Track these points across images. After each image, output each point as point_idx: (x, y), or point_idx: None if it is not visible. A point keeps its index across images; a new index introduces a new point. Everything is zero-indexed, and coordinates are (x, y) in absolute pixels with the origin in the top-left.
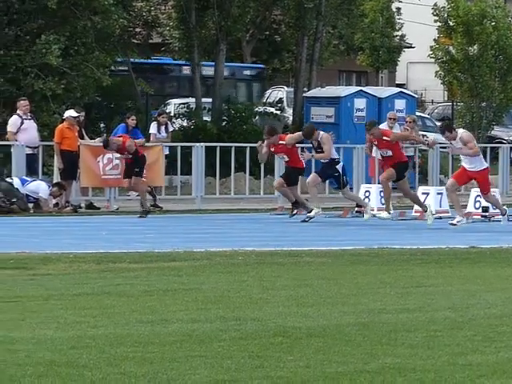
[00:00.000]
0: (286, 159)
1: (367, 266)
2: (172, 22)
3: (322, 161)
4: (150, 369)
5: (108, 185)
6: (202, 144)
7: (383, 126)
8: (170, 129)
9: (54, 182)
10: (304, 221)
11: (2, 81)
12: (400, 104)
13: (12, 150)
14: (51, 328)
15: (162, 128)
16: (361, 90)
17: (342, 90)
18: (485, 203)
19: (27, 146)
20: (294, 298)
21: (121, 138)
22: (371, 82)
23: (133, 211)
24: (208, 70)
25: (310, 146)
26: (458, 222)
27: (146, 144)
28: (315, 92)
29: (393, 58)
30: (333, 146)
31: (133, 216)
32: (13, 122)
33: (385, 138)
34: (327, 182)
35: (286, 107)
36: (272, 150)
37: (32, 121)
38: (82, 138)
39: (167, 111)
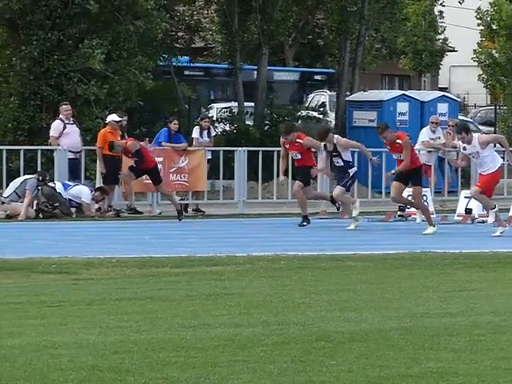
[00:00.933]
0: (299, 157)
1: (410, 270)
2: (214, 26)
3: (337, 165)
4: (192, 373)
5: (150, 189)
6: (244, 148)
7: (425, 129)
8: (213, 133)
9: (97, 186)
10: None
11: (45, 85)
12: (442, 108)
13: (54, 154)
14: (94, 333)
15: (205, 132)
16: (403, 94)
17: (385, 94)
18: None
19: (69, 151)
20: (336, 303)
21: (123, 141)
22: (414, 86)
23: (175, 216)
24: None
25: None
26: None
27: (189, 148)
28: (358, 96)
29: (435, 61)
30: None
31: (175, 221)
32: (55, 126)
33: (398, 141)
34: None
35: (328, 111)
36: (287, 146)
37: (74, 125)
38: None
39: (210, 115)
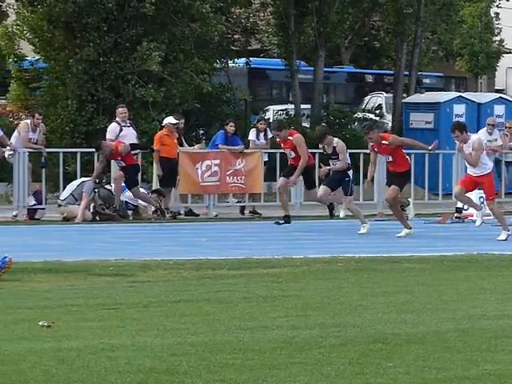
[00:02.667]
0: (293, 155)
1: (467, 272)
2: (271, 29)
3: (335, 168)
4: (249, 376)
5: (207, 191)
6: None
7: (482, 131)
8: (269, 135)
9: (153, 188)
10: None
11: (102, 88)
12: (499, 109)
13: None
14: (151, 335)
15: (261, 134)
16: (460, 96)
17: (442, 96)
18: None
19: None
20: (393, 305)
21: (114, 143)
22: (470, 88)
23: (232, 218)
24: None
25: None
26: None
27: (246, 150)
28: (414, 98)
29: (491, 63)
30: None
31: (232, 223)
32: (112, 129)
33: (383, 142)
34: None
35: (385, 113)
36: (282, 145)
37: (131, 128)
38: (181, 145)
39: (266, 117)
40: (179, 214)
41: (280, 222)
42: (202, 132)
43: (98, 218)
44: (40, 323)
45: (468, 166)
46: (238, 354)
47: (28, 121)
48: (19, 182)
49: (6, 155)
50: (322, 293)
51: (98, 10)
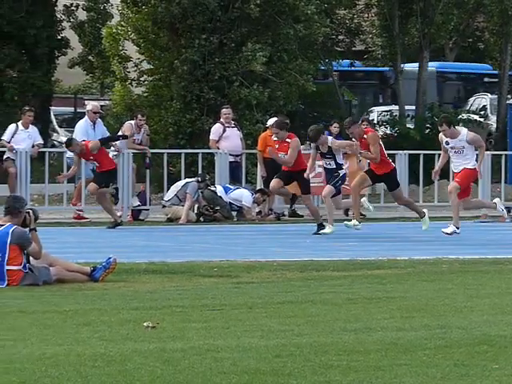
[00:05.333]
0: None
1: None
2: (375, 30)
3: (328, 167)
4: (354, 377)
5: (314, 192)
6: (405, 152)
7: None
8: None
9: (257, 188)
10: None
11: (207, 89)
12: None
13: (215, 157)
14: (256, 336)
15: None
16: None
17: None
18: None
19: (230, 154)
20: (498, 307)
21: (84, 142)
22: None
23: (336, 219)
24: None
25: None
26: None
27: (351, 151)
28: None
29: None
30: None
31: (336, 224)
32: (215, 129)
33: (365, 136)
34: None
35: (489, 114)
36: (276, 146)
37: (235, 129)
38: None
39: (370, 119)
40: (283, 215)
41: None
42: (306, 133)
43: (202, 218)
44: (145, 324)
45: (454, 161)
46: (343, 356)
47: (132, 122)
48: (123, 182)
49: (111, 156)
50: (427, 294)
51: (203, 11)
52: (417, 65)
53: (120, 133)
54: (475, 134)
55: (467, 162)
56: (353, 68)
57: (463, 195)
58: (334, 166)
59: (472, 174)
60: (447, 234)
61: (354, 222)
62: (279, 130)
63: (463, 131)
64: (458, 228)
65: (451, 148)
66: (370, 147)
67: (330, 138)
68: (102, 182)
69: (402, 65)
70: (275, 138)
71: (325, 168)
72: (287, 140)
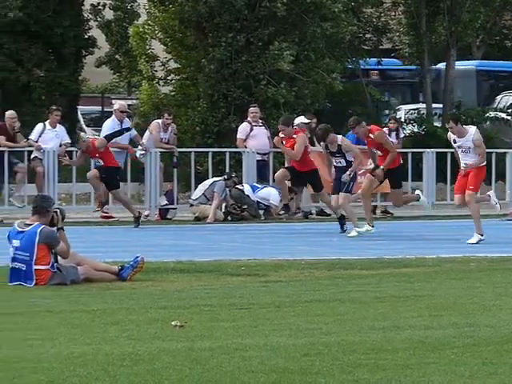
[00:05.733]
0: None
1: None
2: (402, 28)
3: (339, 165)
4: (383, 376)
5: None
6: (432, 150)
7: None
8: (401, 135)
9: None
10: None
11: (234, 88)
12: None
13: (243, 156)
14: (284, 335)
15: (393, 134)
16: None
17: None
18: None
19: (257, 153)
20: None
21: (90, 139)
22: None
23: (363, 217)
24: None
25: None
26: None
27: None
28: None
29: None
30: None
31: (363, 222)
32: (242, 128)
33: (370, 135)
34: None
35: None
36: (284, 142)
37: (263, 127)
38: (312, 144)
39: (398, 117)
40: (310, 213)
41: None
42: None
43: (229, 217)
44: (173, 323)
45: (462, 160)
46: (371, 354)
47: (159, 121)
48: (151, 181)
49: (138, 155)
50: (455, 293)
51: (230, 10)
52: (458, 63)
53: (147, 132)
54: (480, 138)
55: (472, 159)
56: (397, 67)
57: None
58: (345, 164)
59: (479, 172)
60: (473, 243)
61: (367, 227)
62: (286, 126)
63: (471, 130)
64: (481, 235)
65: (458, 147)
66: (384, 145)
67: (339, 136)
68: (103, 174)
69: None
70: (282, 135)
71: (335, 166)
72: (294, 136)
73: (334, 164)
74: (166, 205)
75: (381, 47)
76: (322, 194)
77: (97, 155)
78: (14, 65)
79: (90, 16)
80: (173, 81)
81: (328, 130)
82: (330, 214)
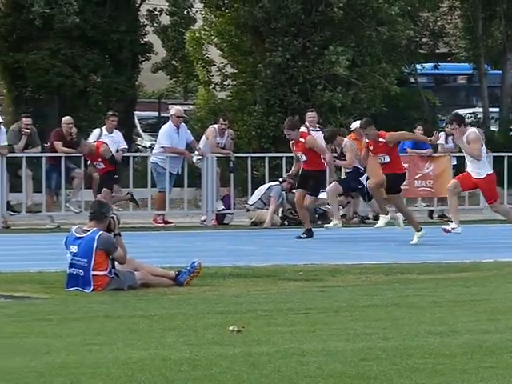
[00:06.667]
0: (304, 159)
1: None
2: (458, 32)
3: (346, 170)
4: (440, 380)
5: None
6: (489, 154)
7: None
8: None
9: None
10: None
11: (290, 92)
12: None
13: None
14: (341, 340)
15: (450, 138)
16: None
17: None
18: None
19: None
20: None
21: (95, 143)
22: None
23: (421, 221)
24: None
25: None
26: (452, 228)
27: (434, 154)
28: None
29: None
30: (356, 155)
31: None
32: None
33: (381, 139)
34: None
35: None
36: (294, 147)
37: (320, 132)
38: None
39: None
40: (367, 218)
41: (302, 235)
42: None
43: (286, 222)
44: (230, 328)
45: (468, 164)
46: (429, 359)
47: (215, 126)
48: (208, 187)
49: (195, 160)
50: None
51: (286, 15)
52: None
53: (204, 137)
54: (475, 134)
55: (478, 169)
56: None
57: (490, 201)
58: (351, 170)
59: (489, 182)
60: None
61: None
62: (291, 131)
63: (468, 130)
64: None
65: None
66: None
67: (345, 139)
68: (109, 183)
69: None
70: (289, 139)
71: (345, 172)
72: (301, 139)
73: (346, 170)
74: (223, 210)
75: (437, 51)
76: (310, 200)
77: (99, 159)
78: (70, 70)
79: (147, 21)
80: (229, 86)
81: (335, 132)
82: None
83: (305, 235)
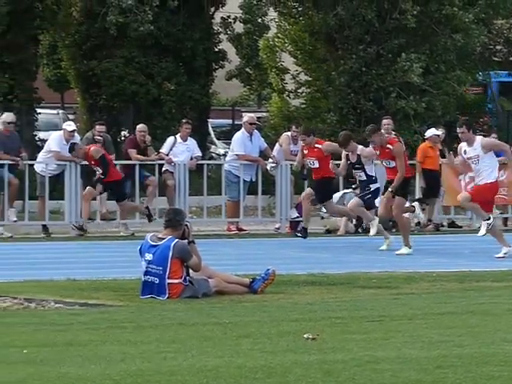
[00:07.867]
0: (316, 165)
1: None
2: None
3: (360, 179)
4: None
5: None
6: None
7: None
8: None
9: (416, 198)
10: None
11: (364, 100)
12: None
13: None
14: (416, 347)
15: None
16: None
17: None
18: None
19: None
20: None
21: (86, 147)
22: None
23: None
24: None
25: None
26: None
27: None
28: None
29: None
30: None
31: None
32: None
33: (388, 146)
34: None
35: None
36: (305, 151)
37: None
38: (443, 156)
39: None
40: (442, 225)
41: (297, 234)
42: None
43: (360, 230)
44: (305, 336)
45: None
46: (504, 367)
47: (289, 133)
48: (282, 194)
49: (269, 167)
50: None
51: (360, 22)
52: None
53: (277, 145)
54: (490, 139)
55: (483, 176)
56: None
57: (487, 210)
58: (365, 178)
59: (484, 188)
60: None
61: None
62: (306, 136)
63: (478, 139)
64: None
65: (468, 159)
66: (397, 161)
67: (360, 146)
68: (109, 188)
69: None
70: (302, 144)
71: (359, 180)
72: (316, 146)
73: (357, 177)
74: (297, 217)
75: (511, 59)
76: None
77: (92, 163)
78: (144, 78)
79: (220, 29)
80: (303, 93)
81: (349, 136)
82: (461, 226)
83: (300, 234)
